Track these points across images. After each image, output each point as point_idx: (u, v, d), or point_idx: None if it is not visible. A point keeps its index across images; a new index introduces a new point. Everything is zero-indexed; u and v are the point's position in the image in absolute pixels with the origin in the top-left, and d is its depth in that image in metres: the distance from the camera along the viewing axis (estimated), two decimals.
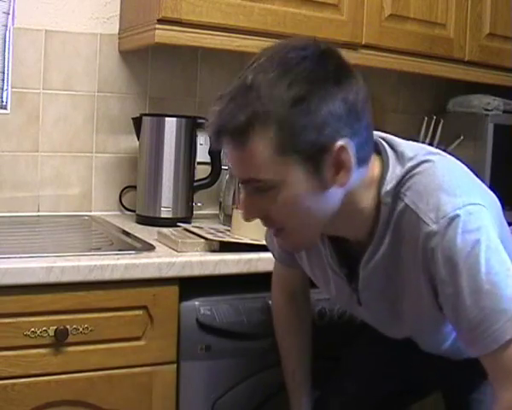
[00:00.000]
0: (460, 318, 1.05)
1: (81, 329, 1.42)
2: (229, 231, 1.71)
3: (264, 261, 1.59)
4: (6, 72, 1.91)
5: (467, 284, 1.03)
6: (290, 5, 1.92)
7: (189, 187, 1.96)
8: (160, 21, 1.76)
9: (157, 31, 1.77)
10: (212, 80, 2.18)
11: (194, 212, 2.00)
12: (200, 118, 1.98)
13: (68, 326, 1.41)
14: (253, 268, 1.58)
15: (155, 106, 2.10)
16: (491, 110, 2.22)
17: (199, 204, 2.05)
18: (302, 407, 1.48)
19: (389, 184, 1.10)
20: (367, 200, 1.11)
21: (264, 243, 1.62)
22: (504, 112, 2.24)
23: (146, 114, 1.98)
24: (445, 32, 2.15)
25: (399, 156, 1.13)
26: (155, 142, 1.92)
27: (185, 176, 1.94)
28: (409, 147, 1.15)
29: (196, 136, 1.98)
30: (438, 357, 1.34)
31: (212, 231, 1.70)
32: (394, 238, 1.11)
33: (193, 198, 1.98)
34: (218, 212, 2.07)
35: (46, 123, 1.98)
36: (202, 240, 1.60)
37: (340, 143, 1.03)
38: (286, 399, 1.62)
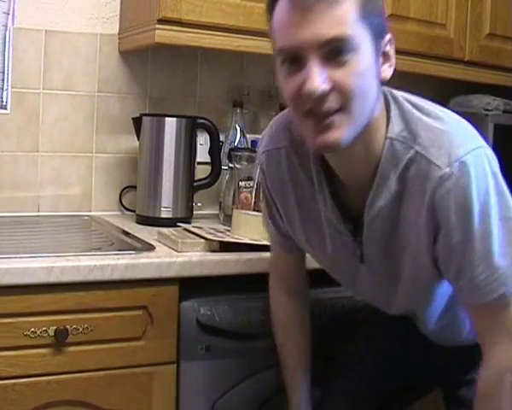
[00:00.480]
0: (463, 267, 1.07)
1: (81, 329, 1.42)
2: (229, 231, 1.71)
3: (264, 261, 1.58)
4: (6, 72, 1.91)
5: (479, 228, 1.04)
6: None
7: (189, 187, 1.96)
8: (160, 21, 1.77)
9: (157, 31, 1.77)
10: (212, 80, 2.18)
11: (194, 212, 2.00)
12: (201, 118, 1.98)
13: (68, 326, 1.41)
14: (253, 268, 1.58)
15: (155, 106, 2.10)
16: (491, 110, 2.22)
17: (199, 204, 2.05)
18: (302, 407, 1.48)
19: (396, 128, 1.11)
20: (378, 137, 1.12)
21: (264, 242, 1.62)
22: (504, 112, 2.24)
23: (146, 114, 1.98)
24: (445, 32, 2.15)
25: (405, 105, 1.14)
26: (155, 142, 1.92)
27: (185, 176, 1.94)
28: (415, 99, 1.16)
29: (196, 136, 1.98)
30: (437, 350, 1.34)
31: (212, 231, 1.70)
32: (399, 186, 1.11)
33: (193, 198, 1.98)
34: (218, 212, 2.07)
35: (46, 123, 1.98)
36: (202, 240, 1.60)
37: (389, 35, 1.09)
38: (286, 399, 1.62)
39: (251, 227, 1.66)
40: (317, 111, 1.04)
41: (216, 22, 1.82)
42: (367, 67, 1.05)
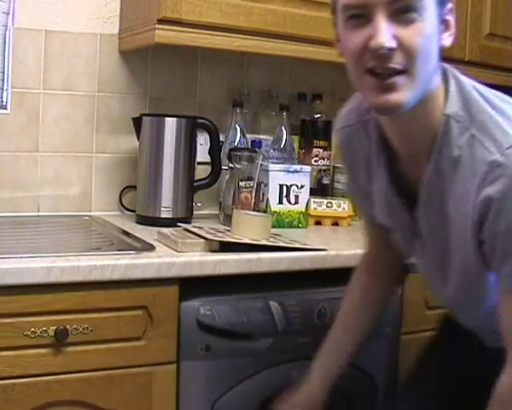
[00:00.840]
0: (508, 254, 1.07)
1: (81, 329, 1.42)
2: (229, 231, 1.71)
3: (264, 261, 1.59)
4: (6, 72, 1.91)
5: None
6: (290, 5, 1.92)
7: (189, 187, 1.96)
8: (160, 21, 1.77)
9: (157, 31, 1.77)
10: (212, 80, 2.18)
11: (194, 212, 2.00)
12: (201, 118, 1.98)
13: (68, 326, 1.41)
14: (253, 268, 1.58)
15: (155, 106, 2.10)
16: None
17: (199, 204, 2.05)
18: (321, 381, 1.48)
19: (454, 106, 1.11)
20: (435, 109, 1.12)
21: (264, 242, 1.62)
22: None
23: (146, 114, 1.98)
24: None
25: (464, 84, 1.15)
26: (155, 142, 1.92)
27: (185, 176, 1.94)
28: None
29: (196, 136, 1.98)
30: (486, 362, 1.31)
31: (212, 231, 1.70)
32: (452, 166, 1.11)
33: (193, 198, 1.98)
34: (218, 212, 2.07)
35: (46, 123, 1.98)
36: (202, 240, 1.60)
37: (451, 4, 1.10)
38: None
39: (251, 227, 1.66)
40: (380, 69, 1.04)
41: (216, 22, 1.82)
42: (431, 31, 1.06)
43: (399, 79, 1.05)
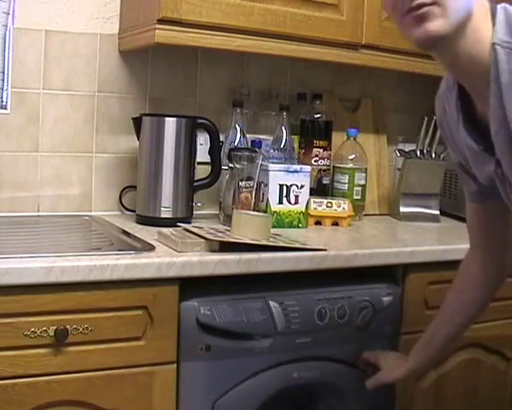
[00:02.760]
0: None
1: (81, 329, 1.42)
2: (229, 231, 1.71)
3: (264, 261, 1.59)
4: (6, 72, 1.91)
5: None
6: (290, 5, 1.92)
7: (189, 187, 1.96)
8: (160, 21, 1.77)
9: (157, 31, 1.77)
10: (212, 80, 2.18)
11: (194, 212, 2.00)
12: (201, 118, 1.98)
13: (68, 326, 1.41)
14: (253, 268, 1.58)
15: (155, 106, 2.10)
16: None
17: (199, 204, 2.05)
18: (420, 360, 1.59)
19: (500, 34, 1.12)
20: (482, 40, 1.14)
21: (264, 242, 1.62)
22: None
23: (146, 114, 1.98)
24: None
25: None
26: (155, 142, 1.92)
27: (185, 176, 1.94)
28: None
29: (196, 136, 1.98)
30: None
31: (212, 231, 1.70)
32: (508, 89, 1.12)
33: (193, 198, 1.98)
34: (218, 212, 2.07)
35: (46, 123, 1.98)
36: (202, 240, 1.60)
37: None
38: (286, 399, 1.63)
39: (251, 227, 1.66)
40: (412, 6, 1.10)
41: (216, 22, 1.82)
42: None
43: (431, 9, 1.10)
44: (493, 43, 1.13)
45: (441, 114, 1.35)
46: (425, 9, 1.10)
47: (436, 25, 1.10)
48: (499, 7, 1.17)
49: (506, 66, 1.12)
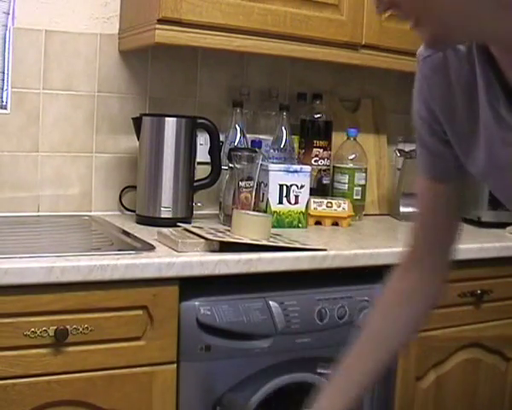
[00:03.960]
0: None
1: (81, 329, 1.42)
2: (229, 231, 1.71)
3: (264, 261, 1.59)
4: (6, 72, 1.91)
5: None
6: (290, 5, 1.92)
7: (189, 187, 1.96)
8: (160, 21, 1.77)
9: (157, 31, 1.77)
10: (212, 80, 2.18)
11: (194, 212, 2.00)
12: (201, 118, 1.98)
13: (68, 326, 1.41)
14: (253, 268, 1.58)
15: (155, 106, 2.10)
16: None
17: (199, 204, 2.05)
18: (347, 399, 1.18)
19: None
20: None
21: (264, 242, 1.62)
22: None
23: (146, 114, 1.98)
24: None
25: None
26: (155, 142, 1.92)
27: (185, 176, 1.94)
28: None
29: (196, 136, 1.98)
30: None
31: (212, 231, 1.70)
32: None
33: (193, 198, 1.98)
34: (218, 212, 2.07)
35: (46, 123, 1.98)
36: (202, 240, 1.60)
37: None
38: (286, 399, 1.62)
39: (251, 227, 1.66)
40: None
41: (216, 22, 1.82)
42: None
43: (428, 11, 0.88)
44: None
45: (441, 86, 1.12)
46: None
47: (443, 20, 0.86)
48: None
49: None
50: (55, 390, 1.41)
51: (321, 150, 2.21)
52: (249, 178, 1.90)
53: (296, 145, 2.21)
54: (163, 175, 1.91)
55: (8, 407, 1.37)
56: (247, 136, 2.13)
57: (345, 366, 1.23)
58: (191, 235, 1.65)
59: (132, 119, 1.97)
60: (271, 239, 1.68)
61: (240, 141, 2.10)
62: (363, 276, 1.74)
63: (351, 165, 2.24)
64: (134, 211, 1.99)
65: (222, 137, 2.07)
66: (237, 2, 1.84)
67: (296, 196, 2.01)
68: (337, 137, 2.29)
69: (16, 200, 1.95)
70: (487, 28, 0.91)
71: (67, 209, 2.02)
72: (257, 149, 2.04)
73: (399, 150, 2.38)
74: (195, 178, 1.99)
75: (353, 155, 2.24)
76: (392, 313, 1.24)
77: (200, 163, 2.05)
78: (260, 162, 1.94)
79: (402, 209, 2.33)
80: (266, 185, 2.00)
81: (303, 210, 2.03)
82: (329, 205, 2.11)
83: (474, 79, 1.04)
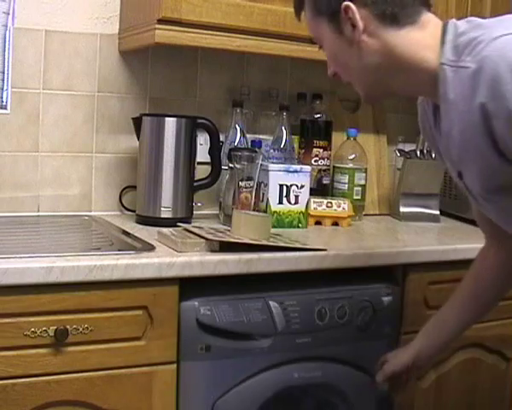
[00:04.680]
0: None
1: (81, 329, 1.42)
2: (229, 231, 1.71)
3: (264, 261, 1.59)
4: (6, 72, 1.91)
5: None
6: (290, 5, 1.89)
7: (189, 187, 1.96)
8: (160, 21, 1.77)
9: (157, 31, 1.77)
10: (212, 80, 2.18)
11: (194, 212, 2.00)
12: (200, 118, 1.98)
13: (68, 326, 1.41)
14: (253, 268, 1.58)
15: (155, 106, 2.10)
16: None
17: (199, 204, 2.05)
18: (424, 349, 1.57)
19: (445, 55, 1.15)
20: (424, 61, 1.18)
21: (264, 242, 1.62)
22: None
23: (146, 114, 1.98)
24: None
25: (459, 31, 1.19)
26: (155, 142, 1.92)
27: (185, 176, 1.94)
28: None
29: (196, 136, 1.98)
30: None
31: (212, 231, 1.70)
32: (453, 106, 1.15)
33: (193, 198, 1.98)
34: (218, 212, 2.07)
35: (46, 123, 1.98)
36: (202, 240, 1.60)
37: (345, 3, 1.18)
38: (286, 399, 1.62)
39: (251, 227, 1.66)
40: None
41: (216, 22, 1.82)
42: (334, 52, 1.27)
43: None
44: (441, 64, 1.15)
45: (423, 115, 1.39)
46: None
47: (360, 90, 1.29)
48: (449, 24, 1.20)
49: (452, 83, 1.13)
50: (54, 390, 1.41)
51: (321, 150, 2.21)
52: (249, 178, 1.90)
53: (296, 145, 2.21)
54: (163, 175, 1.91)
55: (8, 407, 1.37)
56: (247, 136, 2.13)
57: (440, 316, 1.57)
58: (191, 235, 1.65)
59: (132, 119, 1.97)
60: (271, 239, 1.68)
61: (240, 141, 2.10)
62: (363, 276, 1.74)
63: (351, 165, 2.24)
64: (134, 211, 1.99)
65: (222, 137, 2.07)
66: (237, 2, 1.84)
67: (296, 196, 2.01)
68: (337, 137, 2.29)
69: (16, 200, 1.95)
70: (391, 88, 1.28)
71: (67, 209, 2.02)
72: (257, 149, 2.04)
73: (399, 150, 2.38)
74: (195, 178, 1.99)
75: (353, 155, 2.24)
76: (482, 275, 1.52)
77: (200, 163, 2.05)
78: (260, 162, 1.94)
79: (402, 209, 2.33)
80: (266, 185, 2.00)
81: (303, 210, 2.03)
82: (329, 205, 2.11)
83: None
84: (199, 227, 1.75)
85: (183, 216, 1.93)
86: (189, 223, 1.90)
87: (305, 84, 2.31)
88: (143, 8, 1.86)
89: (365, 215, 2.29)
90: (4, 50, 1.90)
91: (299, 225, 2.02)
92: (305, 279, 1.67)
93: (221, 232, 1.69)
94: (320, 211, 2.10)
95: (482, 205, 1.28)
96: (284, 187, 2.00)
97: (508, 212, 1.23)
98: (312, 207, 2.08)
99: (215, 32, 1.83)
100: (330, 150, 2.24)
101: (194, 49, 2.06)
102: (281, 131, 2.16)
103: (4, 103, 1.92)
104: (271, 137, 2.17)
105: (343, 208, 2.11)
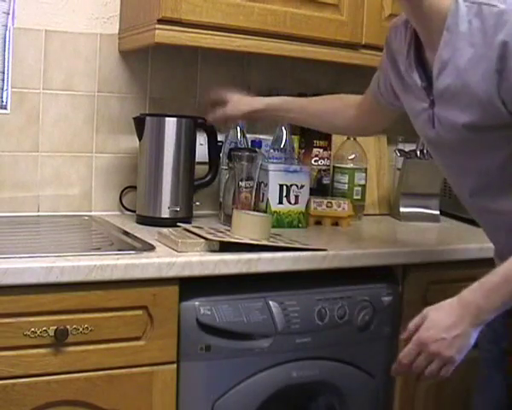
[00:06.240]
0: None
1: (81, 329, 1.42)
2: (229, 231, 1.71)
3: (264, 261, 1.59)
4: (6, 72, 1.91)
5: None
6: (290, 5, 1.92)
7: (190, 187, 1.96)
8: (160, 21, 1.77)
9: (157, 31, 1.77)
10: (212, 80, 2.18)
11: (194, 212, 2.00)
12: (200, 118, 1.98)
13: (68, 326, 1.41)
14: (253, 268, 1.58)
15: (155, 106, 2.10)
16: None
17: (197, 203, 2.04)
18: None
19: None
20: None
21: (264, 242, 1.62)
22: None
23: (146, 114, 1.98)
24: None
25: None
26: (155, 142, 1.92)
27: (185, 176, 1.94)
28: None
29: (196, 136, 1.98)
30: None
31: (212, 231, 1.70)
32: (463, 37, 1.23)
33: (193, 198, 1.98)
34: (218, 212, 2.07)
35: (46, 123, 1.98)
36: (202, 240, 1.60)
37: None
38: (286, 399, 1.62)
39: (251, 227, 1.66)
40: None
41: (216, 22, 1.82)
42: None
43: None
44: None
45: (393, 39, 1.50)
46: None
47: None
48: None
49: (466, 17, 1.22)
50: (54, 390, 1.41)
51: (321, 150, 2.21)
52: (249, 178, 1.90)
53: (296, 145, 2.21)
54: (163, 175, 1.91)
55: (8, 407, 1.37)
56: (247, 136, 2.13)
57: (303, 103, 1.84)
58: (191, 235, 1.65)
59: (134, 119, 1.97)
60: (271, 239, 1.68)
61: (240, 141, 2.10)
62: (363, 276, 1.74)
63: (351, 165, 2.24)
64: (134, 211, 1.99)
65: (222, 137, 2.07)
66: (237, 2, 1.84)
67: (296, 196, 2.01)
68: (337, 137, 2.29)
69: (16, 200, 1.95)
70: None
71: (67, 209, 2.02)
72: (257, 149, 2.04)
73: (399, 150, 2.38)
74: (195, 178, 1.99)
75: (353, 155, 2.24)
76: (328, 105, 1.80)
77: (199, 163, 2.05)
78: (260, 162, 1.94)
79: (402, 209, 2.33)
80: (266, 185, 2.00)
81: (303, 210, 2.03)
82: (329, 205, 2.11)
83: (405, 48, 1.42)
84: (199, 227, 1.75)
85: (183, 216, 1.93)
86: (189, 223, 1.90)
87: (305, 85, 2.30)
88: (143, 8, 1.86)
89: (365, 215, 2.29)
90: (4, 50, 1.90)
91: (299, 225, 2.02)
92: (305, 279, 1.67)
93: (221, 232, 1.69)
94: (320, 211, 2.10)
95: (440, 146, 1.42)
96: (284, 187, 2.00)
97: (470, 156, 1.34)
98: (312, 207, 2.08)
99: (215, 32, 1.83)
100: (330, 150, 2.24)
101: (194, 49, 2.06)
102: (281, 131, 2.16)
103: (4, 103, 1.92)
104: (271, 137, 2.17)
105: (343, 208, 2.11)
